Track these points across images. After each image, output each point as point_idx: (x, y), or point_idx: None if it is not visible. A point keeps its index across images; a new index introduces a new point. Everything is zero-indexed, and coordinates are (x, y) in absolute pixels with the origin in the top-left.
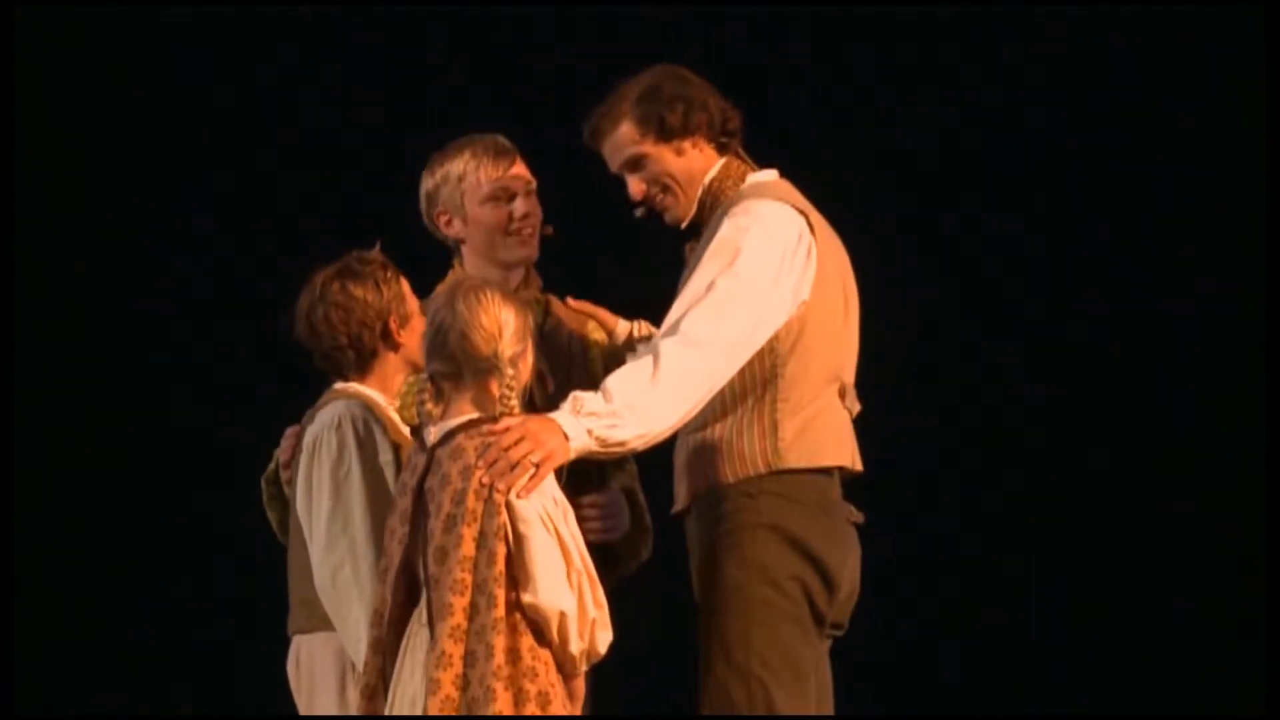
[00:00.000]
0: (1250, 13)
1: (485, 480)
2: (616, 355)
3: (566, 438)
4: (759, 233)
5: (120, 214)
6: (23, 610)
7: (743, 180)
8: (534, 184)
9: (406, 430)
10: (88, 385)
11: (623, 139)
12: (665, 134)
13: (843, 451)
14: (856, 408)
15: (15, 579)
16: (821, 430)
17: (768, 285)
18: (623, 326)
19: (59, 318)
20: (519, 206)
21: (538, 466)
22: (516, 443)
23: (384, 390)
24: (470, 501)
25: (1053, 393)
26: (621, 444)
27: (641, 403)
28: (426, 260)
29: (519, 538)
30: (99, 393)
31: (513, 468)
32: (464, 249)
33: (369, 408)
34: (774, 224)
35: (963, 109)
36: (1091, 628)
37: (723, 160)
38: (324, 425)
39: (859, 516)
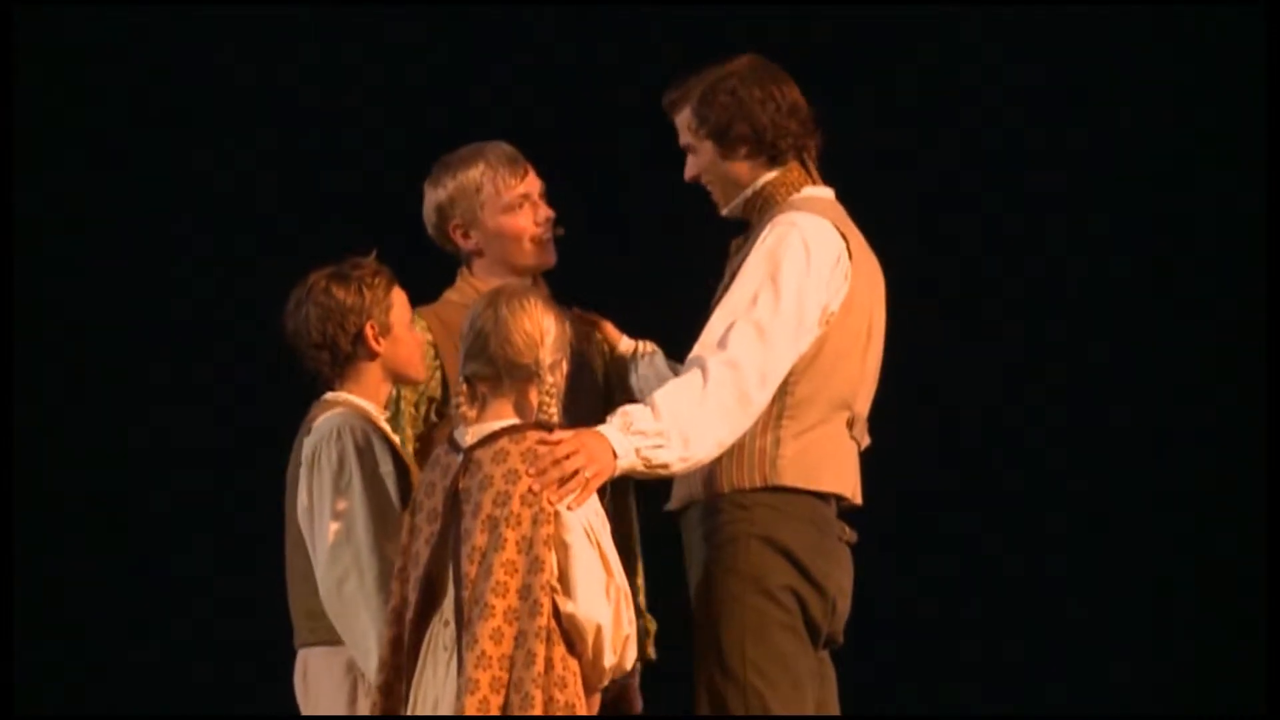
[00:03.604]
0: (1250, 13)
1: (536, 488)
2: (620, 370)
3: (615, 455)
4: (799, 248)
5: (120, 213)
6: (23, 610)
7: (798, 191)
8: (544, 188)
9: (398, 440)
10: (88, 386)
11: (682, 123)
12: (713, 137)
13: (842, 480)
14: (865, 441)
15: (15, 579)
16: (822, 455)
17: (805, 307)
18: (625, 344)
19: (60, 316)
20: (541, 213)
21: (588, 481)
22: (569, 455)
23: (372, 400)
24: (515, 505)
25: (1052, 393)
26: (665, 466)
27: (688, 425)
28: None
29: (563, 547)
30: (99, 392)
31: (563, 480)
32: (476, 259)
33: (366, 418)
34: (815, 239)
35: (956, 117)
36: (1091, 627)
37: (778, 170)
38: (323, 436)
39: (852, 536)
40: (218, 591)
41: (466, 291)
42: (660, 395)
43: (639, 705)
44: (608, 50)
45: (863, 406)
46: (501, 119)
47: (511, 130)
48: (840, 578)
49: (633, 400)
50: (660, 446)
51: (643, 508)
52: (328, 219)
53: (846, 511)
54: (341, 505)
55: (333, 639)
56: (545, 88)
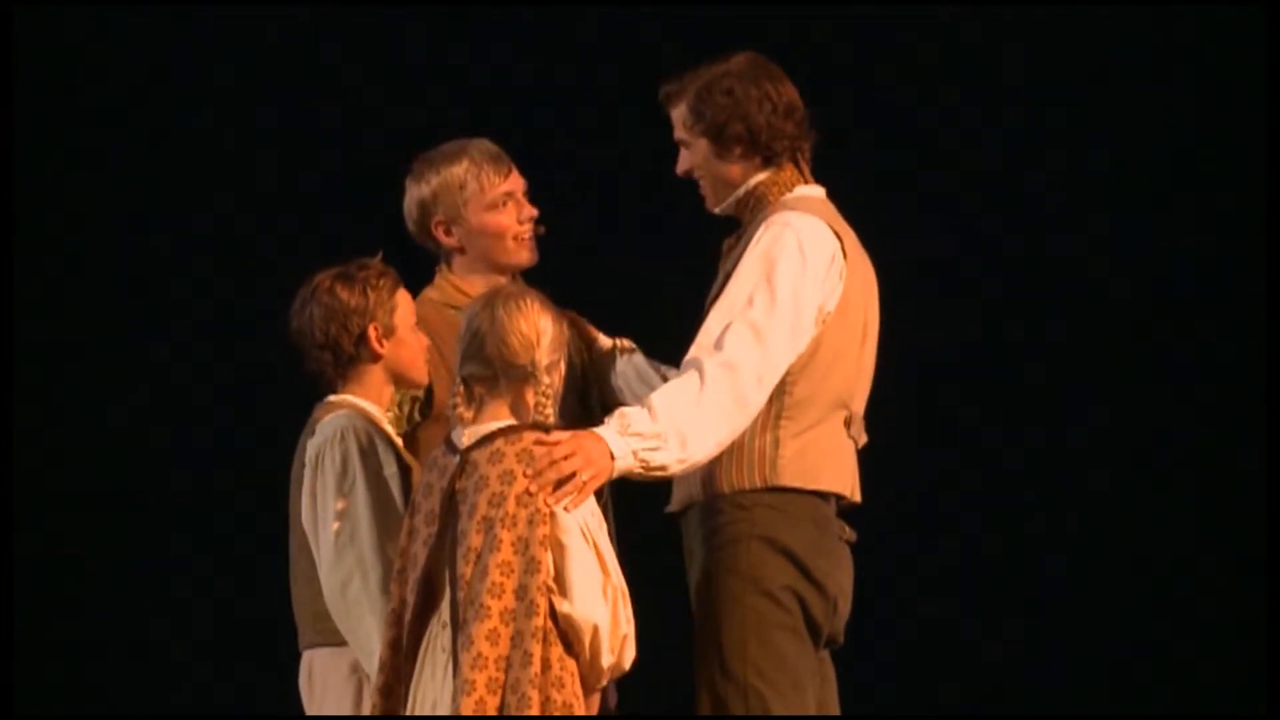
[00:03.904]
0: (1250, 13)
1: (533, 489)
2: (599, 368)
3: (613, 456)
4: (794, 248)
5: (120, 213)
6: (23, 610)
7: (790, 190)
8: (526, 186)
9: (401, 442)
10: (88, 386)
11: (677, 119)
12: (708, 134)
13: (841, 479)
14: (863, 439)
15: (15, 579)
16: (821, 454)
17: (801, 307)
18: (603, 341)
19: (60, 316)
20: (525, 212)
21: (585, 483)
22: (566, 457)
23: (375, 402)
24: (510, 506)
25: (1051, 394)
26: (662, 468)
27: (685, 426)
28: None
29: (559, 547)
30: (100, 392)
31: (560, 482)
32: (456, 256)
33: (369, 419)
34: (809, 239)
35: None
36: (1091, 627)
37: (771, 170)
38: (327, 438)
39: (852, 535)
40: (218, 591)
41: (446, 289)
42: (657, 397)
43: (614, 701)
44: (608, 51)
45: (859, 405)
46: (501, 119)
47: (511, 130)
48: (841, 578)
49: (610, 398)
50: (658, 448)
51: (638, 510)
52: (328, 220)
53: (846, 510)
54: (345, 507)
55: (338, 640)
56: (545, 88)
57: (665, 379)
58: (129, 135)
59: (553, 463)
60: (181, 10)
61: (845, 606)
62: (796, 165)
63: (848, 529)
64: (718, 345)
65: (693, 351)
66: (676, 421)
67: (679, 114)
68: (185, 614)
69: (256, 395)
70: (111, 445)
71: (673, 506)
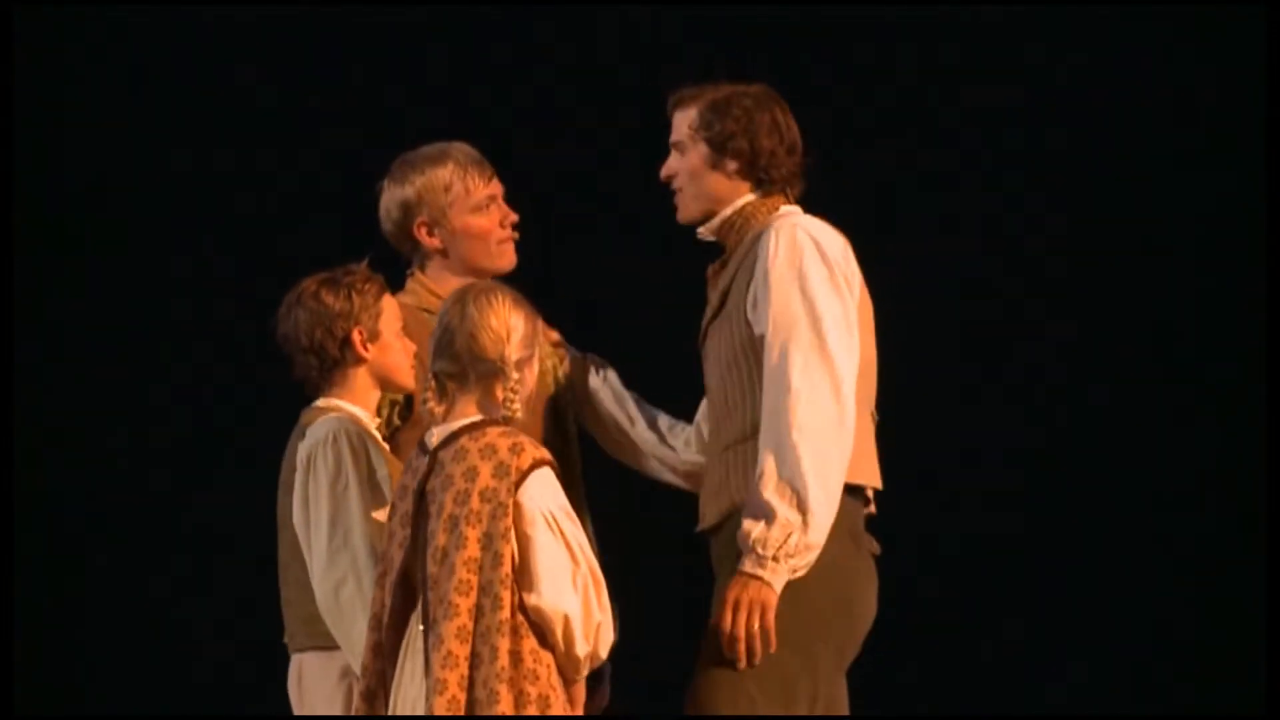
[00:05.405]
0: (1250, 13)
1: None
2: (577, 380)
3: (766, 582)
4: (813, 250)
5: (120, 213)
6: (23, 610)
7: (776, 211)
8: (505, 190)
9: (388, 447)
10: (89, 386)
11: (682, 120)
12: (711, 142)
13: (873, 471)
14: (876, 419)
15: (15, 579)
16: (859, 450)
17: (846, 308)
18: (574, 353)
19: (61, 317)
20: (507, 216)
21: (768, 622)
22: (740, 616)
23: (363, 406)
24: (475, 502)
25: (1052, 393)
26: (807, 547)
27: (803, 499)
28: None
29: (524, 539)
30: (100, 394)
31: (755, 636)
32: (434, 258)
33: (357, 423)
34: (821, 236)
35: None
36: (1091, 626)
37: (758, 194)
38: (318, 441)
39: (877, 548)
40: (218, 592)
41: (419, 293)
42: (768, 490)
43: (606, 700)
44: (608, 50)
45: (872, 394)
46: (501, 119)
47: (508, 131)
48: (869, 598)
49: (585, 409)
50: (789, 536)
51: (634, 513)
52: (327, 222)
53: (867, 521)
54: (339, 510)
55: (329, 644)
56: (545, 88)
57: (639, 406)
58: (129, 135)
59: (735, 629)
60: (182, 10)
61: (869, 624)
62: (786, 198)
63: (874, 542)
64: (795, 381)
65: (773, 397)
66: (787, 503)
67: (685, 116)
68: (184, 615)
69: (256, 396)
70: (111, 445)
71: (708, 523)
